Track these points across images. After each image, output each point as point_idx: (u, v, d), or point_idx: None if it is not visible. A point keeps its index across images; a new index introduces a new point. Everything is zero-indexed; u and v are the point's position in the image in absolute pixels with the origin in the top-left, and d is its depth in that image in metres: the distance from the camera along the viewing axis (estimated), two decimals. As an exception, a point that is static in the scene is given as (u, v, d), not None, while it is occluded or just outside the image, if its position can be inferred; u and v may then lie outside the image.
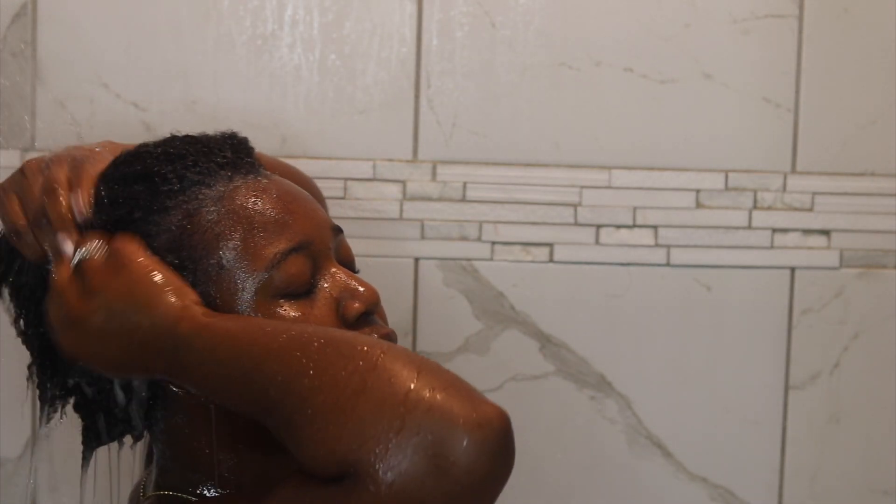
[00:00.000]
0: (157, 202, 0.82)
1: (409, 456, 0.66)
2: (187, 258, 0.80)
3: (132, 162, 0.85)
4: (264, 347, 0.72)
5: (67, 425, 0.90)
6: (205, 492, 0.84)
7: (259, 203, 0.83)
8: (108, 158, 0.86)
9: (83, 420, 0.88)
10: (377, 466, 0.66)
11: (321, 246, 0.84)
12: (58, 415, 0.88)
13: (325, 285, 0.83)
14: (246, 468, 0.83)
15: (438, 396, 0.67)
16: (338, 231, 0.88)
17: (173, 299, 0.77)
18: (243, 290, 0.80)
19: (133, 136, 1.26)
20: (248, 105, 1.29)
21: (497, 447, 0.68)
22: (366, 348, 0.70)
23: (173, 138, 0.87)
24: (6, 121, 1.28)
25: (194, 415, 0.82)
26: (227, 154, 0.85)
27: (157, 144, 0.86)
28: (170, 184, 0.82)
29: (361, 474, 0.66)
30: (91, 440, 0.88)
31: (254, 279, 0.80)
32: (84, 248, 0.81)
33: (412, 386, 0.68)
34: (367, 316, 0.84)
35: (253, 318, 0.79)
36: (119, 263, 0.79)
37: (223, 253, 0.80)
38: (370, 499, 0.66)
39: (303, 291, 0.82)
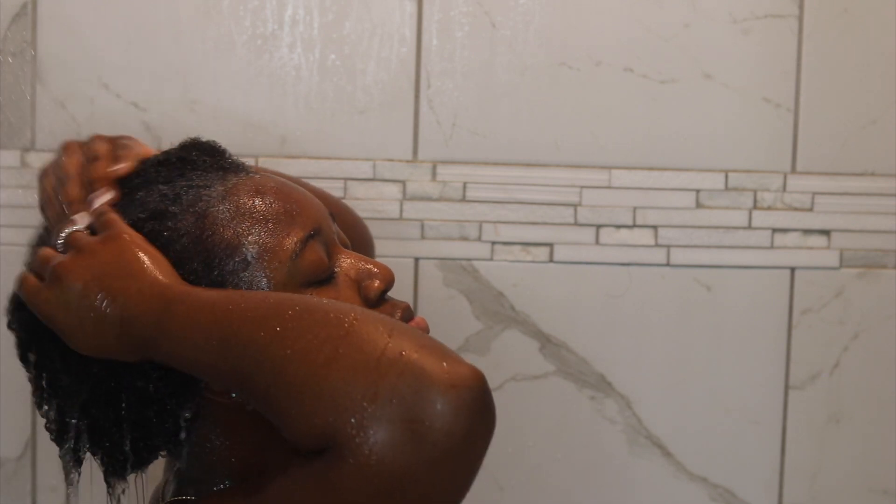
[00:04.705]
0: (161, 210, 0.82)
1: (385, 424, 0.64)
2: (212, 260, 0.80)
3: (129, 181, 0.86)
4: (241, 314, 0.71)
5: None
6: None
7: (264, 197, 0.82)
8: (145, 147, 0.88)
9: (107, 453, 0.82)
10: (355, 437, 0.64)
11: (328, 231, 0.85)
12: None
13: (342, 268, 0.83)
14: (271, 473, 0.82)
15: (411, 358, 0.66)
16: (333, 216, 0.88)
17: (162, 269, 0.77)
18: (273, 283, 0.79)
19: (133, 136, 1.27)
20: (248, 105, 1.29)
21: (474, 407, 0.66)
22: (337, 315, 0.69)
23: (145, 167, 0.85)
24: (6, 121, 1.28)
25: (227, 424, 0.81)
26: (206, 158, 0.86)
27: (133, 175, 0.86)
28: (166, 198, 0.82)
29: (341, 447, 0.65)
30: (118, 469, 0.83)
31: (281, 271, 0.80)
32: (83, 214, 0.82)
33: (384, 350, 0.66)
34: (387, 293, 0.84)
35: (236, 291, 0.78)
36: (112, 234, 0.79)
37: (246, 249, 0.80)
38: (351, 471, 0.64)
39: (325, 277, 0.82)
